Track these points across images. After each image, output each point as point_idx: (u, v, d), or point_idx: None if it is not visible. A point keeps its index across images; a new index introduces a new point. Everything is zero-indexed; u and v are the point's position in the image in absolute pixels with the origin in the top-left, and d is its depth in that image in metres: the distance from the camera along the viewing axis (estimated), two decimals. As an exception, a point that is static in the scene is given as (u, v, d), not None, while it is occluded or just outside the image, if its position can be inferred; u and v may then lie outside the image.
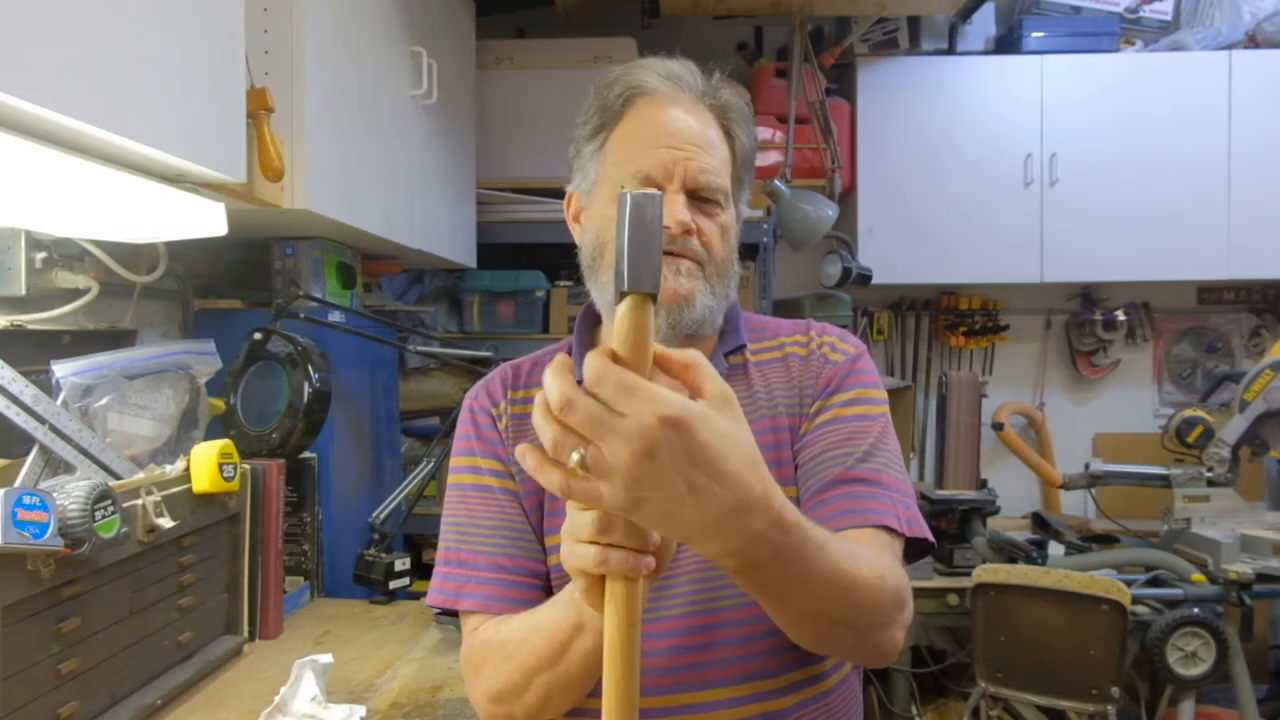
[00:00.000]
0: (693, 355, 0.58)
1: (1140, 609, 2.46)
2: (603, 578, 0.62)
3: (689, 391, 0.58)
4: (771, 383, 0.97)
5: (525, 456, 0.59)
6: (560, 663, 0.78)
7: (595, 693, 0.89)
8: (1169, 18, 3.49)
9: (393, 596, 1.92)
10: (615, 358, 0.56)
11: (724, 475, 0.56)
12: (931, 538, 0.92)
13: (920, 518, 0.91)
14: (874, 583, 0.74)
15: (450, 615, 0.98)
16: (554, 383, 0.55)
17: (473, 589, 0.90)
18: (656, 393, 0.54)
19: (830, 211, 2.79)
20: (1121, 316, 3.58)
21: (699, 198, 0.90)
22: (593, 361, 0.55)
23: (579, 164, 0.98)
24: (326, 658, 1.36)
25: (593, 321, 1.02)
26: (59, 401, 1.39)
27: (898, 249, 3.32)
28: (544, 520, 0.94)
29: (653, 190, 0.59)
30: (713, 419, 0.56)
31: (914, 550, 0.91)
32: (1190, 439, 2.76)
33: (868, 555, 0.77)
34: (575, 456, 0.56)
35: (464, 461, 0.98)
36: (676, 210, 0.88)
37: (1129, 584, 2.40)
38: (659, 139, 0.90)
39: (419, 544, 2.68)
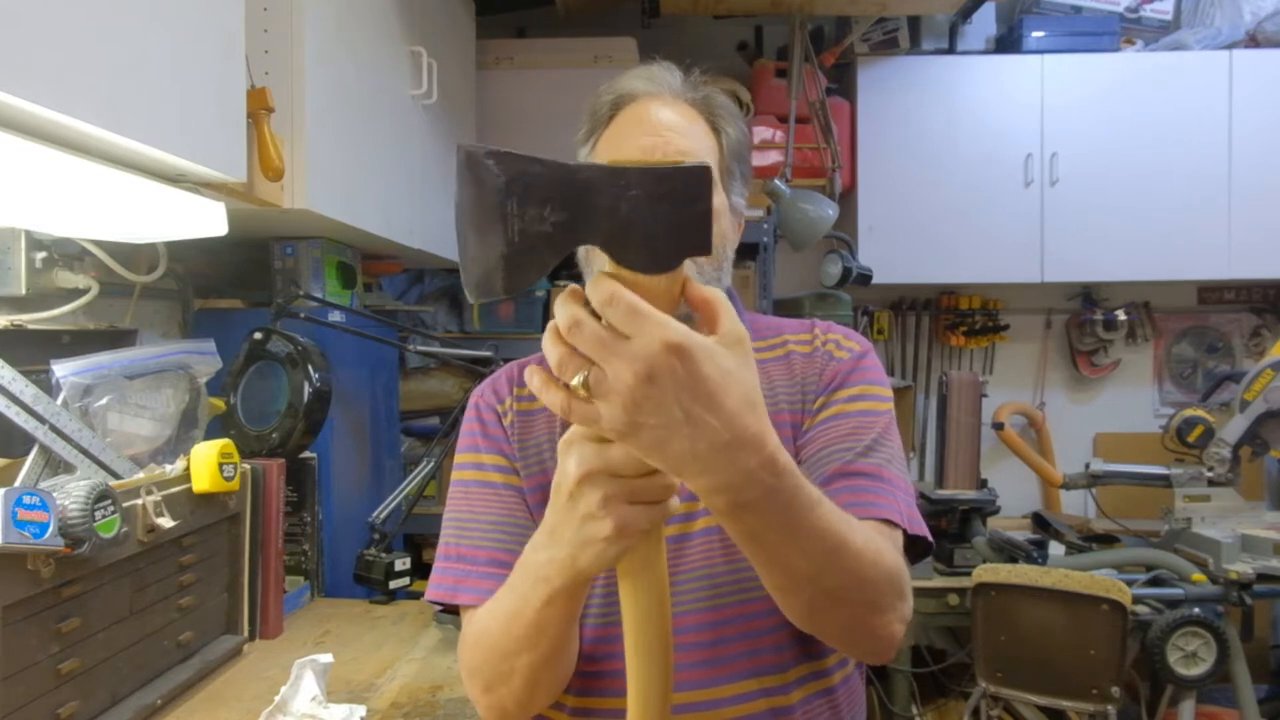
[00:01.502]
0: (714, 292, 0.60)
1: (1140, 609, 2.46)
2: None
3: (706, 325, 0.59)
4: (774, 380, 0.97)
5: (532, 376, 0.60)
6: (540, 643, 0.78)
7: (604, 692, 0.90)
8: (1169, 17, 3.49)
9: (393, 596, 1.92)
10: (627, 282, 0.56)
11: (720, 409, 0.57)
12: (930, 538, 0.92)
13: (919, 517, 0.91)
14: (868, 555, 0.74)
15: (451, 612, 0.98)
16: (563, 305, 0.56)
17: (471, 584, 0.90)
18: (664, 319, 0.55)
19: (830, 211, 2.79)
20: (1122, 316, 3.57)
21: None
22: (604, 284, 0.55)
23: None
24: (326, 657, 1.36)
25: None
26: (59, 401, 1.39)
27: (898, 249, 3.32)
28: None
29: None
30: (718, 354, 0.57)
31: (913, 551, 0.92)
32: (1191, 439, 2.76)
33: (864, 529, 0.76)
34: (578, 379, 0.56)
35: (468, 458, 0.98)
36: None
37: (1129, 584, 2.40)
38: (642, 131, 0.94)
39: (419, 544, 2.68)
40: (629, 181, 0.56)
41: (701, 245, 0.57)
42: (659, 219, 0.56)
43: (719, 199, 0.96)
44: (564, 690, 0.88)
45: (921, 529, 0.90)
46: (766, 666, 0.88)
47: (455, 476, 0.98)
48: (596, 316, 0.56)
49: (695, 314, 0.60)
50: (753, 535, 0.68)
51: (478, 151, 0.56)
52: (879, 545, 0.77)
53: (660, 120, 0.94)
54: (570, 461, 0.62)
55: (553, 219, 0.56)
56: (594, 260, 0.94)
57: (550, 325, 0.58)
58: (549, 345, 0.58)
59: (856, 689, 0.98)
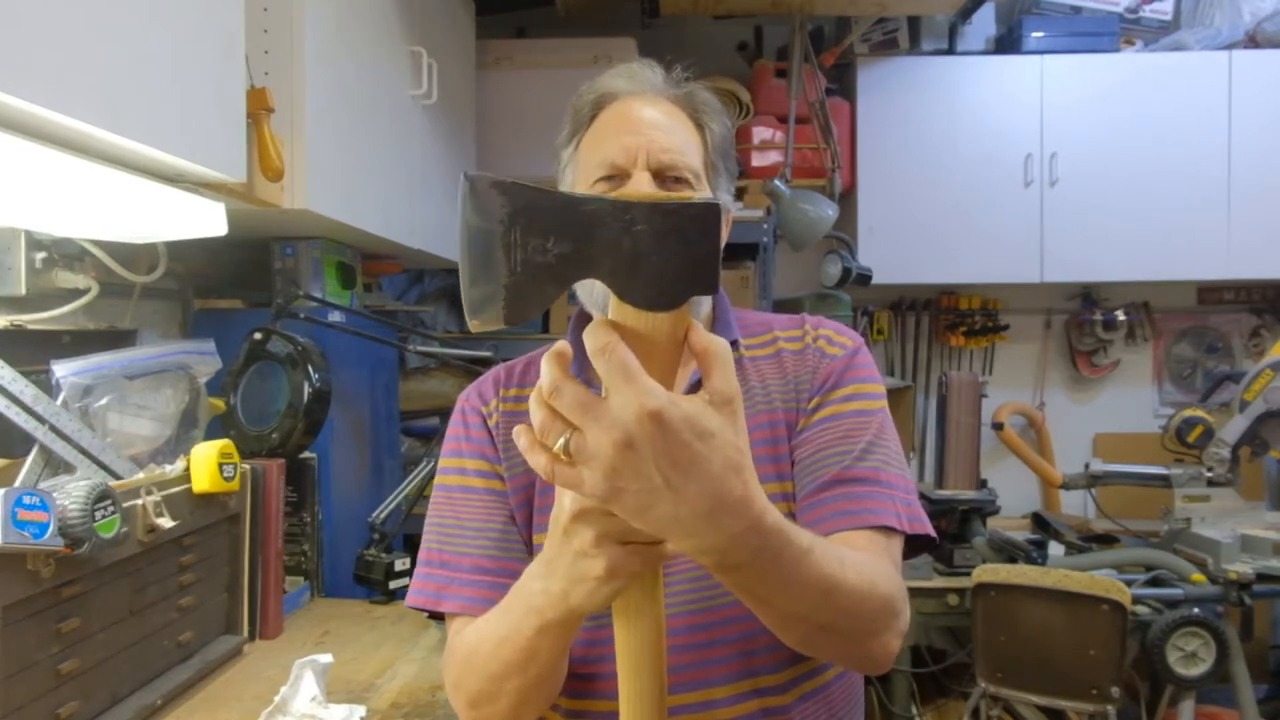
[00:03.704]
0: (713, 343, 0.58)
1: (1140, 609, 2.46)
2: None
3: (702, 376, 0.58)
4: (767, 378, 0.97)
5: (519, 436, 0.59)
6: (529, 668, 0.78)
7: (599, 694, 0.90)
8: (1169, 18, 3.49)
9: (393, 596, 1.92)
10: (631, 333, 0.56)
11: (702, 475, 0.56)
12: (933, 532, 0.92)
13: (921, 513, 0.91)
14: (862, 589, 0.74)
15: (435, 617, 0.98)
16: (547, 368, 0.56)
17: (455, 590, 0.91)
18: (647, 385, 0.54)
19: (830, 211, 2.79)
20: (1121, 316, 3.58)
21: (667, 178, 0.92)
22: (600, 333, 0.55)
23: (559, 171, 1.02)
24: (326, 658, 1.36)
25: (587, 322, 1.02)
26: (59, 401, 1.39)
27: (898, 249, 3.33)
28: (533, 517, 0.94)
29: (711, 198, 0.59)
30: (701, 418, 0.56)
31: (918, 544, 0.91)
32: (1190, 439, 2.76)
33: (857, 561, 0.76)
34: (560, 442, 0.56)
35: (451, 463, 0.98)
36: (642, 188, 0.90)
37: (1129, 584, 2.40)
38: (623, 130, 0.93)
39: (419, 544, 2.68)
40: (635, 216, 0.55)
41: (709, 284, 0.56)
42: (665, 256, 0.55)
43: (701, 194, 0.95)
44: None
45: (923, 526, 0.90)
46: (760, 667, 0.88)
47: (438, 481, 0.99)
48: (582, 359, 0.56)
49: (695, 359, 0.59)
50: (743, 588, 0.68)
51: (483, 181, 0.55)
52: (873, 574, 0.77)
53: (643, 118, 0.93)
54: (566, 497, 0.62)
55: (556, 251, 0.55)
56: (593, 289, 0.94)
57: (536, 387, 0.58)
58: (533, 407, 0.58)
59: (852, 685, 0.98)
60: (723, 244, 0.98)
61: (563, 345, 0.58)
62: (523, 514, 0.94)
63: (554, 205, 0.55)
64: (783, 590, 0.68)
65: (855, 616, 0.75)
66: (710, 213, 0.56)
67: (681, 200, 0.56)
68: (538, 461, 0.58)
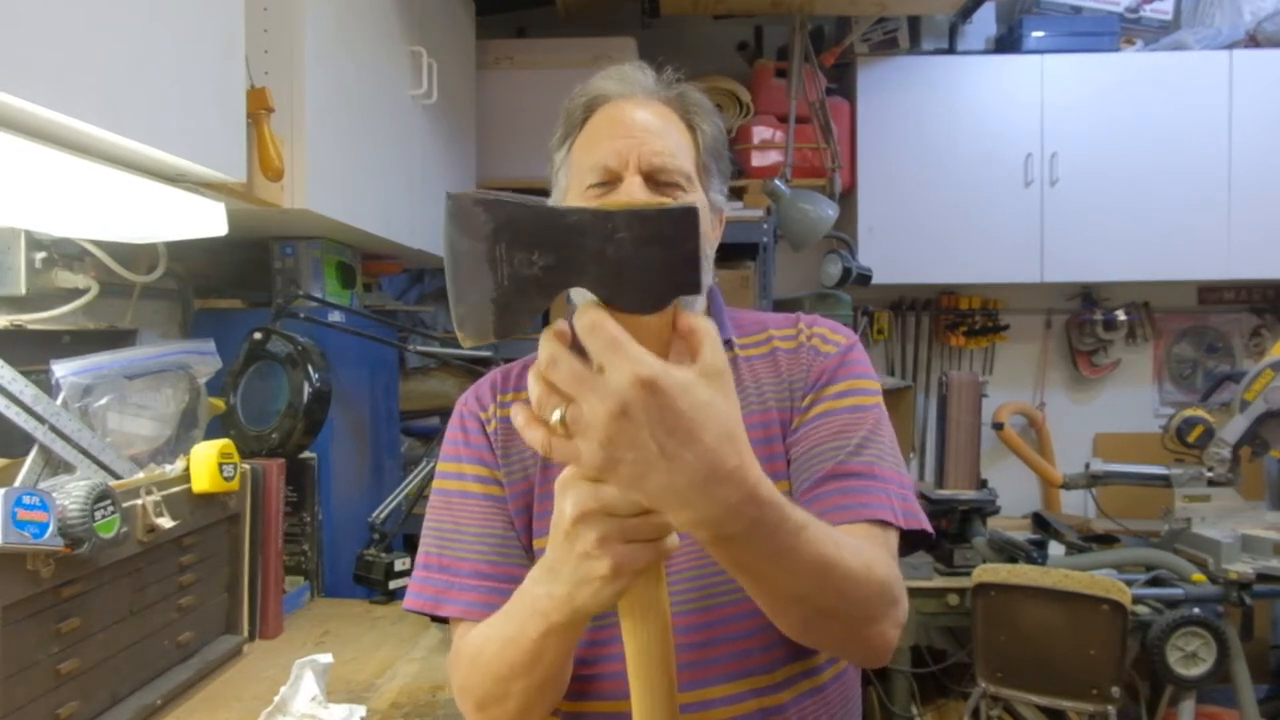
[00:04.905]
0: (700, 321, 0.60)
1: (1140, 609, 2.46)
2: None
3: (690, 355, 0.59)
4: (760, 377, 0.97)
5: (517, 415, 0.60)
6: (535, 670, 0.78)
7: (598, 695, 0.90)
8: (1169, 17, 3.49)
9: (393, 596, 1.92)
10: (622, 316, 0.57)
11: (696, 443, 0.56)
12: (929, 528, 0.91)
13: (917, 509, 0.91)
14: (859, 571, 0.74)
15: (439, 621, 0.98)
16: (545, 344, 0.57)
17: (455, 595, 0.91)
18: (639, 354, 0.55)
19: (830, 211, 2.79)
20: (1122, 316, 3.58)
21: (658, 181, 0.92)
22: (589, 312, 0.56)
23: (552, 174, 1.03)
24: (326, 658, 1.36)
25: None
26: (59, 401, 1.39)
27: (898, 249, 3.33)
28: (532, 523, 0.94)
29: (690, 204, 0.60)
30: (694, 387, 0.56)
31: (914, 540, 0.91)
32: (1191, 439, 2.76)
33: (853, 544, 0.76)
34: (556, 415, 0.57)
35: (450, 467, 0.98)
36: (634, 193, 0.90)
37: (1129, 584, 2.40)
38: (614, 133, 0.93)
39: (418, 544, 2.68)
40: (616, 225, 0.57)
41: (691, 285, 0.58)
42: (647, 261, 0.57)
43: (692, 196, 0.95)
44: None
45: (918, 521, 0.90)
46: (756, 666, 0.88)
47: (436, 485, 0.99)
48: (581, 353, 0.57)
49: (680, 342, 0.60)
50: (739, 564, 0.68)
51: (466, 199, 0.57)
52: (869, 558, 0.77)
53: (634, 121, 0.93)
54: (567, 501, 0.62)
55: (541, 263, 0.57)
56: (584, 294, 0.94)
57: (534, 363, 0.58)
58: (531, 382, 0.58)
59: (849, 685, 0.98)
60: (711, 246, 1.00)
61: (561, 324, 0.58)
62: (522, 520, 0.94)
63: (537, 218, 0.57)
64: (778, 566, 0.68)
65: (852, 601, 0.75)
66: (688, 216, 0.58)
67: (659, 207, 0.58)
68: (534, 436, 0.59)
